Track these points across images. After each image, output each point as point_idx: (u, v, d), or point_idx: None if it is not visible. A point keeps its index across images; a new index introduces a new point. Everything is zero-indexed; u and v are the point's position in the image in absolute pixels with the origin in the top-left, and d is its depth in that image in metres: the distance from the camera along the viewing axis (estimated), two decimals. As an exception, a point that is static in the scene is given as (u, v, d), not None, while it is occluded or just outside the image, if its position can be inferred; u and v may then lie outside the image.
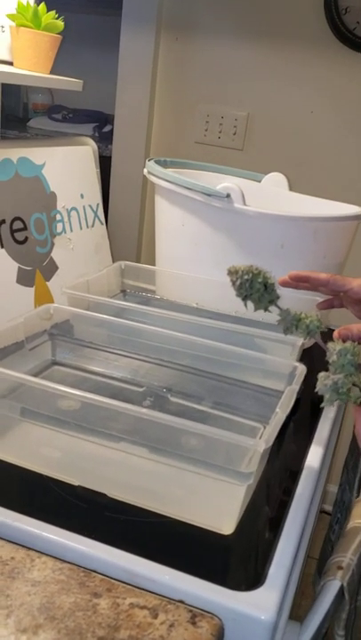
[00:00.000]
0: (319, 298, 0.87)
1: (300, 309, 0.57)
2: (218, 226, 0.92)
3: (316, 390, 0.52)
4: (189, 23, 1.64)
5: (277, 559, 0.57)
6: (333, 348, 0.51)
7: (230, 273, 0.56)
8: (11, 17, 0.93)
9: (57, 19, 0.97)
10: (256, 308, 0.56)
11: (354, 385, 0.52)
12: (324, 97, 1.57)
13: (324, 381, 0.50)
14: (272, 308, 0.56)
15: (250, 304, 0.57)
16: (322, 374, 0.51)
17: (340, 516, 1.02)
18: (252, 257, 0.93)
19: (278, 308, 0.56)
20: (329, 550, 1.03)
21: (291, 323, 0.55)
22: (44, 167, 0.97)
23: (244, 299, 0.56)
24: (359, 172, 1.54)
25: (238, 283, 0.56)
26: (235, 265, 0.56)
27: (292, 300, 0.89)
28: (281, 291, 0.57)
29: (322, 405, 0.51)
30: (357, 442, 0.53)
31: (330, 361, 0.51)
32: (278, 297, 0.56)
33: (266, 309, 0.56)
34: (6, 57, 0.98)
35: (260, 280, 0.55)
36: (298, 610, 0.75)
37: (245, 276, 0.55)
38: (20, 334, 0.73)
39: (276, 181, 1.11)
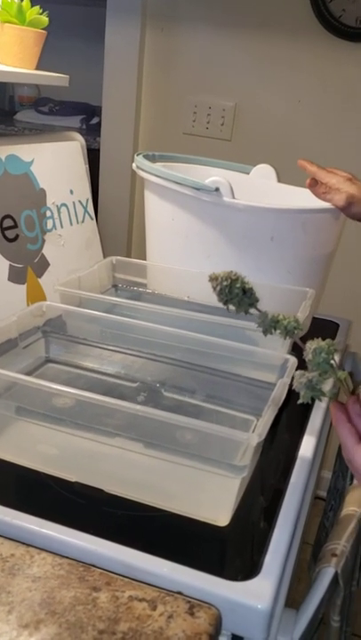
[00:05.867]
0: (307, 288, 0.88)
1: (280, 311, 0.58)
2: (207, 219, 0.93)
3: (292, 388, 0.54)
4: (175, 14, 1.63)
5: (273, 548, 0.58)
6: (309, 347, 0.53)
7: (211, 279, 0.58)
8: (-5, 13, 0.93)
9: (41, 13, 0.97)
10: (237, 311, 0.58)
11: (337, 380, 0.53)
12: (312, 85, 1.57)
13: (299, 379, 0.53)
14: (252, 310, 0.58)
15: (232, 307, 0.58)
16: (297, 372, 0.53)
17: (334, 503, 1.04)
18: (242, 250, 0.93)
19: (258, 310, 0.58)
20: (323, 537, 1.05)
21: (269, 324, 0.57)
22: (32, 164, 0.97)
23: (225, 303, 0.58)
24: (348, 161, 1.54)
25: (218, 289, 0.57)
26: (215, 272, 0.58)
27: (279, 293, 0.91)
28: (260, 294, 0.58)
29: (299, 402, 0.53)
30: (336, 434, 0.54)
31: (306, 359, 0.53)
32: (257, 300, 0.58)
33: (246, 312, 0.58)
34: (-9, 53, 0.97)
35: (238, 285, 0.57)
36: (294, 594, 0.76)
37: (224, 282, 0.57)
38: (14, 332, 0.73)
39: (264, 173, 1.12)
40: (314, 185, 0.95)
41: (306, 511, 0.71)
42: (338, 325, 1.16)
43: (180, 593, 0.53)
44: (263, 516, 0.65)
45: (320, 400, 0.55)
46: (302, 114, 1.60)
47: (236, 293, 0.58)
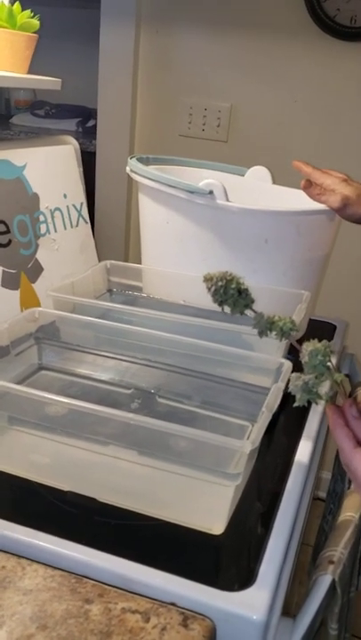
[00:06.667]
0: (303, 291, 0.88)
1: (277, 307, 0.57)
2: (202, 222, 0.92)
3: (288, 391, 0.53)
4: (169, 15, 1.63)
5: (268, 557, 0.57)
6: (306, 349, 0.52)
7: (205, 280, 0.57)
8: (-15, 17, 0.92)
9: (33, 17, 0.96)
10: (232, 312, 0.57)
11: (334, 383, 0.53)
12: (308, 86, 1.57)
13: (295, 382, 0.52)
14: (248, 311, 0.57)
15: (227, 308, 0.57)
16: (293, 375, 0.53)
17: (333, 507, 1.03)
18: (236, 252, 0.93)
19: (253, 311, 0.57)
20: (323, 541, 1.04)
21: (265, 326, 0.56)
22: (25, 168, 0.96)
23: (220, 304, 0.57)
24: (344, 161, 1.54)
25: (213, 289, 0.56)
26: (209, 272, 0.57)
27: (275, 295, 0.90)
28: (258, 290, 0.57)
29: (295, 405, 0.52)
30: (333, 438, 0.53)
31: (302, 362, 0.52)
32: (253, 301, 0.57)
33: (242, 313, 0.57)
34: (-18, 58, 0.96)
35: (233, 286, 0.56)
36: (296, 597, 0.75)
37: (219, 283, 0.56)
38: (5, 340, 0.72)
39: (259, 175, 1.11)
40: (308, 186, 0.94)
41: (304, 515, 0.70)
42: (335, 327, 1.15)
43: (173, 604, 0.52)
44: (259, 522, 0.64)
45: (316, 404, 0.54)
46: (299, 114, 1.59)
47: (231, 294, 0.57)
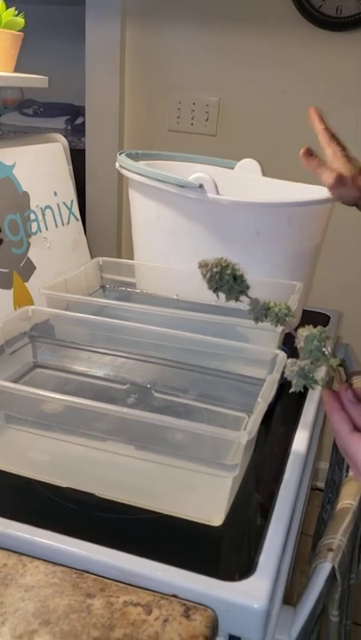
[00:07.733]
0: (295, 282, 0.88)
1: (270, 298, 0.57)
2: (193, 216, 0.92)
3: (284, 377, 0.53)
4: (155, 10, 1.62)
5: (267, 546, 0.58)
6: (301, 335, 0.52)
7: (200, 266, 0.57)
8: (-31, 16, 0.92)
9: (18, 14, 0.96)
10: (227, 299, 0.57)
11: (330, 368, 0.53)
12: (295, 77, 1.57)
13: (291, 367, 0.52)
14: (243, 297, 0.57)
15: (222, 295, 0.57)
16: (289, 361, 0.53)
17: (332, 496, 1.04)
18: (228, 245, 0.93)
19: (248, 297, 0.57)
20: (322, 530, 1.05)
21: (260, 312, 0.56)
22: (14, 167, 0.96)
23: (215, 290, 0.57)
24: (333, 151, 1.54)
25: (208, 276, 0.56)
26: (205, 259, 0.57)
27: (267, 287, 0.90)
28: (251, 281, 0.57)
29: (291, 391, 0.52)
30: (329, 422, 0.54)
31: (298, 347, 0.52)
32: (248, 287, 0.57)
33: (237, 300, 0.57)
34: (-32, 57, 0.96)
35: (228, 272, 0.56)
36: (298, 587, 0.76)
37: (214, 269, 0.56)
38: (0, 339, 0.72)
39: (249, 167, 1.11)
40: (308, 156, 0.86)
41: (302, 504, 0.70)
42: (329, 317, 1.15)
43: (175, 596, 0.52)
44: (258, 513, 0.65)
45: (313, 389, 0.54)
46: (287, 106, 1.59)
47: (226, 280, 0.57)
